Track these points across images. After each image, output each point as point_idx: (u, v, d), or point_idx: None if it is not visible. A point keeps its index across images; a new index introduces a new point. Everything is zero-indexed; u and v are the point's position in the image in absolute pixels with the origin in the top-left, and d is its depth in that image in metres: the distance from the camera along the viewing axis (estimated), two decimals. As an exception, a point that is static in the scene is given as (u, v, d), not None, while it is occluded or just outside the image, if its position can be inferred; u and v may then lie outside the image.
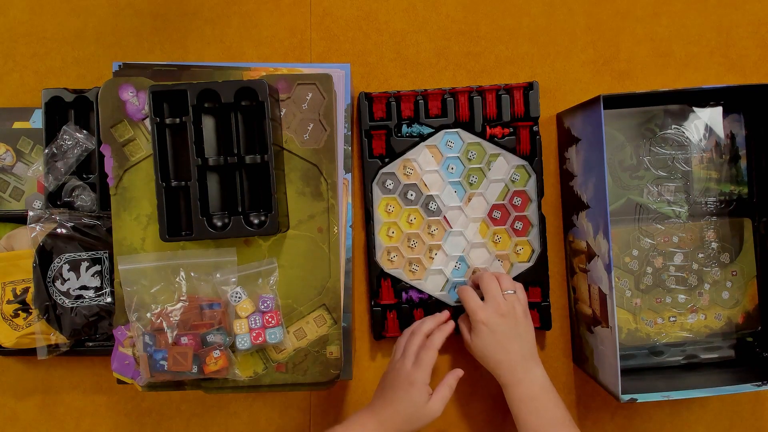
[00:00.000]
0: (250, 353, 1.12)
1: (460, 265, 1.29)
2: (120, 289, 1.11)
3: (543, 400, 1.12)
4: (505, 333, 1.14)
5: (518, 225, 1.28)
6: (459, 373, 1.17)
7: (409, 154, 1.28)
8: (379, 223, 1.28)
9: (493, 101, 1.26)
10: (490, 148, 1.27)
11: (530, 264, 1.28)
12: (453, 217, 1.28)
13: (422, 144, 1.27)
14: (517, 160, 1.27)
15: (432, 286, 1.29)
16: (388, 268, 1.28)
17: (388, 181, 1.28)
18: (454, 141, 1.28)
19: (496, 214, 1.28)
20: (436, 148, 1.28)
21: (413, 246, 1.28)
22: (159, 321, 1.08)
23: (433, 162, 1.28)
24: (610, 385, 1.14)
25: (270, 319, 1.10)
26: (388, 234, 1.28)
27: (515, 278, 1.26)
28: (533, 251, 1.28)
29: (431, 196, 1.28)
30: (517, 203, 1.28)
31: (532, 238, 1.28)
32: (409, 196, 1.28)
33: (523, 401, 1.12)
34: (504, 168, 1.27)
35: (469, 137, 1.28)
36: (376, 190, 1.28)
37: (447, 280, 1.29)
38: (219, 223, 1.08)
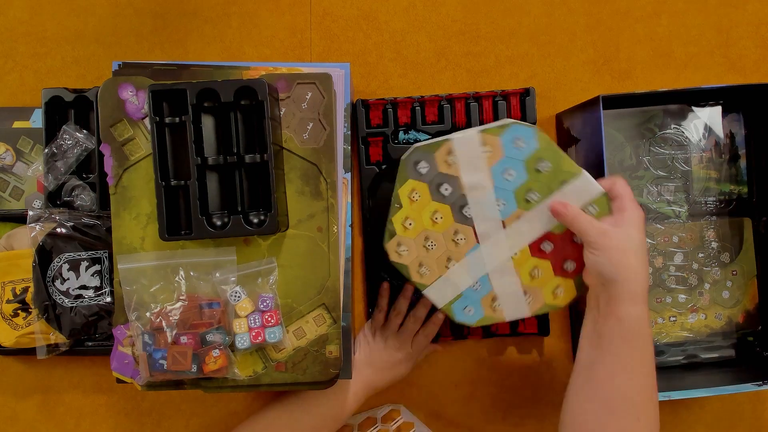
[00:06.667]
0: (250, 353, 1.12)
1: (479, 286, 1.11)
2: (119, 288, 1.10)
3: (636, 344, 0.98)
4: (643, 245, 0.99)
5: (570, 265, 1.08)
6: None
7: (458, 138, 1.08)
8: (397, 208, 1.11)
9: (490, 107, 1.25)
10: (572, 164, 1.06)
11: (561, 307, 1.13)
12: (485, 232, 1.09)
13: (478, 130, 1.07)
14: (599, 188, 1.04)
15: (439, 296, 1.12)
16: (395, 259, 1.13)
17: (423, 164, 1.09)
18: (526, 139, 1.05)
19: (547, 246, 1.08)
20: (498, 141, 1.06)
21: (430, 247, 1.11)
22: (158, 320, 1.07)
23: (485, 158, 1.08)
24: (610, 384, 1.14)
25: (269, 319, 1.10)
26: (404, 224, 1.11)
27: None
28: (574, 298, 1.10)
29: (469, 198, 1.09)
30: (579, 240, 1.06)
31: (579, 281, 1.09)
32: (442, 190, 1.09)
33: (630, 330, 0.97)
34: (580, 193, 1.05)
35: (548, 139, 1.06)
36: (405, 170, 1.10)
37: (460, 296, 1.12)
38: (218, 223, 1.08)
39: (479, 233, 1.09)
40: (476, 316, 1.12)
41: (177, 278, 1.10)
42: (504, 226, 1.08)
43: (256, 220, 1.09)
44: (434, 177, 1.08)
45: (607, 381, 0.97)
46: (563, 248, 1.08)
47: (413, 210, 1.10)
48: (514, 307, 1.11)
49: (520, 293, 1.10)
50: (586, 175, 1.05)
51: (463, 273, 1.11)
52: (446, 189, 1.09)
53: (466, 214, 1.09)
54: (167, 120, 1.07)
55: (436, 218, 1.10)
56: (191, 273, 1.10)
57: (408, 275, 1.12)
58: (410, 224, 1.11)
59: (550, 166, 1.05)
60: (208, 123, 1.10)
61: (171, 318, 1.07)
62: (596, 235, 0.99)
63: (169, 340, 1.07)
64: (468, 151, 1.07)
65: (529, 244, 1.08)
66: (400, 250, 1.12)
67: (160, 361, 1.07)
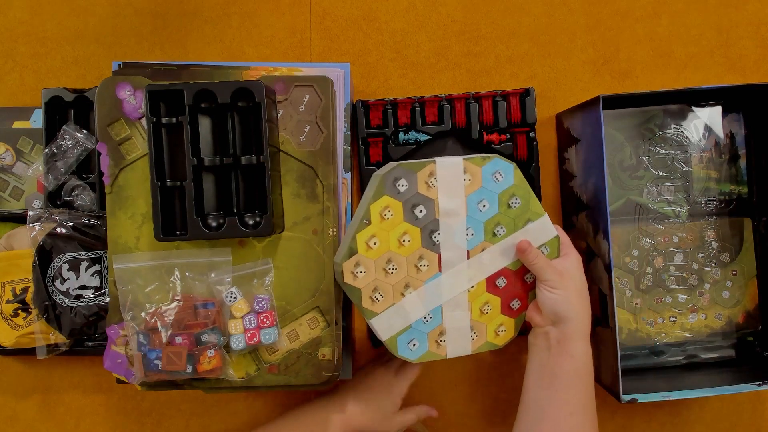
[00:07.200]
0: (243, 354, 1.12)
1: (430, 318, 1.11)
2: (114, 287, 1.11)
3: (586, 381, 1.06)
4: (586, 286, 1.09)
5: (515, 304, 1.14)
6: (433, 413, 1.25)
7: (442, 163, 1.07)
8: (365, 224, 1.07)
9: (490, 108, 1.24)
10: (538, 205, 1.12)
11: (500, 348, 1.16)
12: (450, 261, 1.10)
13: (462, 157, 1.08)
14: (554, 231, 1.12)
15: (386, 327, 1.09)
16: (348, 280, 1.07)
17: (402, 182, 1.06)
18: (504, 174, 1.10)
19: (501, 282, 1.12)
20: (479, 171, 1.09)
21: (391, 271, 1.08)
22: (153, 320, 1.08)
23: (463, 186, 1.09)
24: (610, 385, 1.14)
25: (265, 320, 1.10)
26: (369, 243, 1.07)
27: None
28: (512, 338, 1.16)
29: (441, 224, 1.08)
30: (528, 280, 1.13)
31: (519, 321, 1.15)
32: (416, 212, 1.07)
33: (573, 370, 1.05)
34: (539, 233, 1.11)
35: (522, 177, 1.11)
36: (383, 185, 1.06)
37: (408, 328, 1.10)
38: (214, 224, 1.08)
39: (443, 261, 1.09)
40: (419, 351, 1.11)
41: (172, 278, 1.10)
42: (468, 257, 1.10)
43: (251, 222, 1.09)
44: (411, 197, 1.07)
45: (561, 420, 1.02)
46: (514, 286, 1.13)
47: (382, 229, 1.07)
48: (458, 343, 1.13)
49: (468, 329, 1.12)
50: (546, 218, 1.12)
51: (418, 302, 1.09)
52: (420, 211, 1.07)
53: (435, 240, 1.08)
54: (164, 120, 1.08)
55: (404, 240, 1.08)
56: (186, 273, 1.10)
57: (358, 301, 1.08)
58: (375, 243, 1.07)
59: (520, 203, 1.10)
60: (205, 124, 1.10)
61: (166, 318, 1.07)
62: (555, 274, 1.06)
63: (164, 340, 1.07)
64: (450, 175, 1.08)
65: (487, 278, 1.11)
66: (357, 270, 1.07)
67: (155, 361, 1.07)
